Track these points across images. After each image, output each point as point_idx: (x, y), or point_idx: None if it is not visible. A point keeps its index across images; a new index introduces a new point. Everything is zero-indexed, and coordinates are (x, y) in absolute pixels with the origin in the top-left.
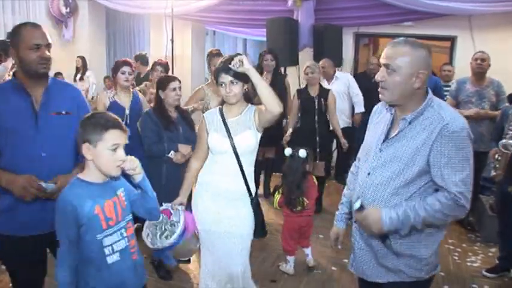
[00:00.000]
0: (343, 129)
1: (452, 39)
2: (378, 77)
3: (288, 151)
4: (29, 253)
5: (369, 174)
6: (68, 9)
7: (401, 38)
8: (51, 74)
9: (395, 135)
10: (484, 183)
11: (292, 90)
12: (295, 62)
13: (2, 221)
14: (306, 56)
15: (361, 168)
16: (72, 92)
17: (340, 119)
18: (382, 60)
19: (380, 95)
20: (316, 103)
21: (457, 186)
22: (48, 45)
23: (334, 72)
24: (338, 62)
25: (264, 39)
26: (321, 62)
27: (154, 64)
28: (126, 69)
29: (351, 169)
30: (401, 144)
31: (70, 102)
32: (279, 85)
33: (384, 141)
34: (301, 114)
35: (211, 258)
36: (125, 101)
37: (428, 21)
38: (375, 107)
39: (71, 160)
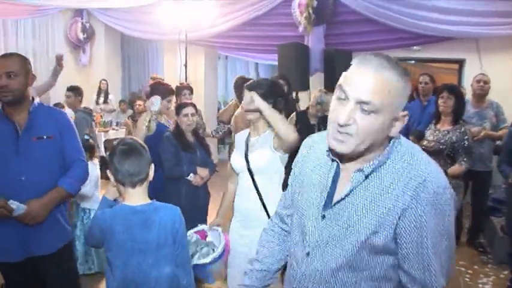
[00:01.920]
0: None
1: (460, 62)
2: (341, 118)
3: None
4: (12, 279)
5: (308, 254)
6: (85, 35)
7: (380, 56)
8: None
9: (346, 195)
10: (494, 205)
11: None
12: (306, 86)
13: None
14: (317, 81)
15: (292, 239)
16: (56, 116)
17: None
18: (351, 93)
19: (335, 143)
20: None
21: (439, 280)
22: (8, 74)
23: None
24: None
25: (276, 63)
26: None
27: (180, 89)
28: (171, 98)
29: (266, 226)
30: (355, 209)
31: (53, 127)
32: (290, 111)
33: (326, 204)
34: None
35: (233, 277)
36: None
37: (436, 44)
38: (308, 139)
39: (51, 184)
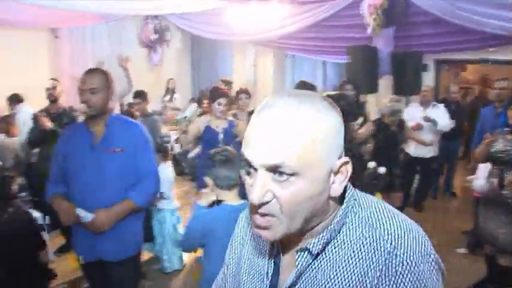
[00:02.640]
0: (429, 159)
1: None
2: (254, 197)
3: (372, 164)
4: (90, 277)
5: None
6: (157, 36)
7: (286, 94)
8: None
9: (292, 284)
10: None
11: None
12: (374, 89)
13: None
14: (385, 84)
15: None
16: (131, 128)
17: (426, 149)
18: (255, 158)
19: (259, 231)
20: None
21: None
22: (91, 90)
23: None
24: (418, 89)
25: (343, 61)
26: (423, 87)
27: (239, 92)
28: (222, 101)
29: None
30: None
31: (127, 140)
32: (358, 114)
33: None
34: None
35: None
36: (218, 126)
37: None
38: (244, 212)
39: (120, 195)
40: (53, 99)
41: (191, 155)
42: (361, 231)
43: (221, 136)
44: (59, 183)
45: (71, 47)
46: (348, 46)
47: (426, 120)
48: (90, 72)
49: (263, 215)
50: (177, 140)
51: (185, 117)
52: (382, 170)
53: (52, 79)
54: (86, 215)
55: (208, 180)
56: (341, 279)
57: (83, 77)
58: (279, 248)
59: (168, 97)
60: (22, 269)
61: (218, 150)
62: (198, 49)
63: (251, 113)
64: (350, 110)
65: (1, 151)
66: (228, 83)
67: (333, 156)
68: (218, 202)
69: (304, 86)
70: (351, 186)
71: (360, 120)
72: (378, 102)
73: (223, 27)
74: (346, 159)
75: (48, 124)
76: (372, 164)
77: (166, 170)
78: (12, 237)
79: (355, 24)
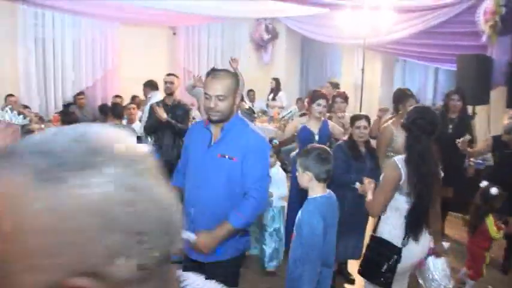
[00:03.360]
0: None
1: None
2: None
3: (484, 183)
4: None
5: None
6: (269, 35)
7: None
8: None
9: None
10: None
11: (479, 131)
12: (485, 101)
13: None
14: (498, 96)
15: None
16: (248, 137)
17: None
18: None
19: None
20: None
21: None
22: (218, 97)
23: None
24: None
25: (455, 69)
26: None
27: (335, 96)
28: (321, 102)
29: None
30: None
31: (240, 148)
32: (464, 127)
33: None
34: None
35: None
36: (314, 127)
37: None
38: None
39: (224, 200)
40: (170, 92)
41: (294, 153)
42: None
43: (316, 137)
44: (182, 173)
45: (187, 43)
46: (458, 54)
47: None
48: (218, 77)
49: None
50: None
51: (284, 117)
52: (494, 190)
53: (171, 74)
54: (189, 236)
55: (307, 174)
56: None
57: (209, 81)
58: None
59: (272, 95)
60: None
61: (316, 146)
62: (307, 50)
63: (352, 119)
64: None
65: None
66: (336, 85)
67: None
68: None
69: (402, 94)
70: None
71: (468, 137)
72: (489, 115)
73: (334, 30)
74: None
75: (164, 115)
76: (484, 184)
77: (278, 172)
78: None
79: (467, 31)
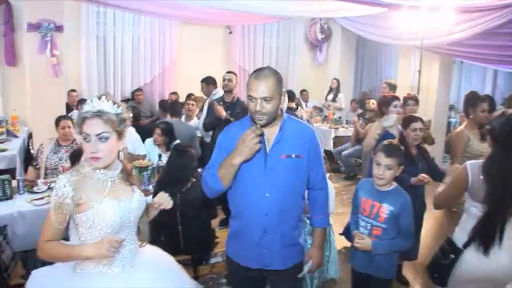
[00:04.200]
0: None
1: None
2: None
3: None
4: (248, 283)
5: None
6: (323, 35)
7: None
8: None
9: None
10: None
11: None
12: None
13: (229, 244)
14: None
15: None
16: (305, 134)
17: None
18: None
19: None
20: None
21: None
22: (263, 99)
23: None
24: None
25: None
26: None
27: (406, 99)
28: (398, 103)
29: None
30: None
31: (302, 145)
32: None
33: None
34: None
35: None
36: (395, 131)
37: None
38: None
39: (293, 203)
40: (229, 90)
41: (345, 153)
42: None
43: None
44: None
45: (242, 42)
46: None
47: None
48: (262, 77)
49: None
50: (335, 139)
51: (386, 126)
52: None
53: (230, 72)
54: (309, 267)
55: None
56: None
57: (253, 83)
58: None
59: (331, 96)
60: (197, 232)
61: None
62: (362, 50)
63: (406, 120)
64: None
65: (179, 131)
66: (393, 87)
67: None
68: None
69: (474, 98)
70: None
71: None
72: None
73: (390, 31)
74: None
75: (223, 112)
76: None
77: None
78: (193, 204)
79: None
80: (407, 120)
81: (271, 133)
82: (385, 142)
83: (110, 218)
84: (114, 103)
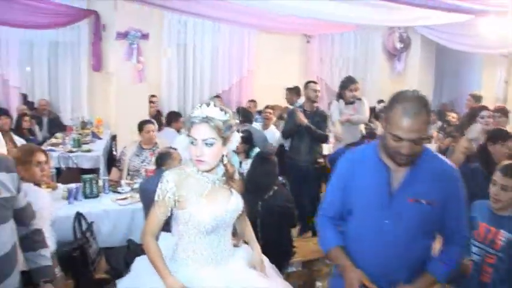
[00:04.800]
0: None
1: None
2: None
3: None
4: None
5: None
6: (402, 45)
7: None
8: None
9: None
10: None
11: None
12: None
13: (332, 282)
14: None
15: None
16: (446, 174)
17: None
18: None
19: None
20: None
21: None
22: (415, 141)
23: None
24: None
25: None
26: None
27: (495, 110)
28: (485, 113)
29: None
30: None
31: (438, 189)
32: None
33: None
34: None
35: None
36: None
37: None
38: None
39: (421, 250)
40: (315, 100)
41: None
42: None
43: None
44: (336, 225)
45: (319, 51)
46: None
47: None
48: (414, 114)
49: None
50: None
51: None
52: None
53: (312, 82)
54: None
55: None
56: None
57: (403, 120)
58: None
59: None
60: (277, 241)
61: None
62: (442, 60)
63: (492, 135)
64: None
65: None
66: (478, 98)
67: None
68: None
69: None
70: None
71: None
72: None
73: (473, 39)
74: None
75: (305, 120)
76: None
77: None
78: (274, 212)
79: None
80: (497, 134)
81: (400, 168)
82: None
83: (203, 220)
84: (222, 109)
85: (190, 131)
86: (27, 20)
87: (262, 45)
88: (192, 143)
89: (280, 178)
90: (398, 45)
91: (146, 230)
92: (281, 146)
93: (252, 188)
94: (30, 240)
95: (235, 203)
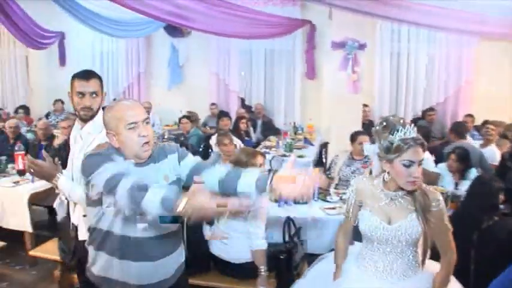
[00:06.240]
0: None
1: None
2: None
3: None
4: None
5: None
6: None
7: None
8: None
9: None
10: None
11: None
12: None
13: None
14: None
15: None
16: None
17: None
18: None
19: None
20: None
21: None
22: None
23: None
24: None
25: None
26: None
27: None
28: None
29: None
30: None
31: None
32: None
33: None
34: None
35: None
36: None
37: None
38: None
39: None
40: None
41: None
42: None
43: None
44: None
45: None
46: None
47: None
48: None
49: None
50: None
51: None
52: None
53: None
54: None
55: None
56: None
57: None
58: None
59: None
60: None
61: None
62: None
63: None
64: None
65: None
66: None
67: None
68: None
69: None
70: None
71: None
72: None
73: None
74: None
75: None
76: None
77: None
78: (491, 246)
79: None
80: None
81: None
82: None
83: (362, 227)
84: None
85: (402, 154)
86: (248, 32)
87: (483, 53)
88: (408, 165)
89: (501, 207)
90: None
91: (339, 230)
92: (503, 167)
93: (466, 214)
94: None
95: (405, 226)
